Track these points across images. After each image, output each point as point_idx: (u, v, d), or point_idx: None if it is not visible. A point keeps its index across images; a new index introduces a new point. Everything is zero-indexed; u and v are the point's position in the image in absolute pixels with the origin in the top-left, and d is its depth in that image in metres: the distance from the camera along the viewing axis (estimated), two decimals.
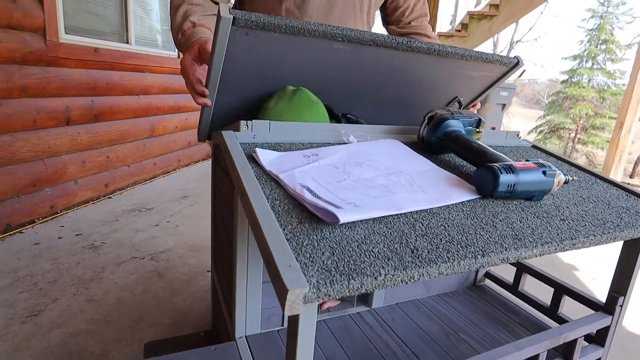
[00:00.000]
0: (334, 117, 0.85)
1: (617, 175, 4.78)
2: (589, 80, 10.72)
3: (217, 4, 0.99)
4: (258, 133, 0.65)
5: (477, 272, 1.12)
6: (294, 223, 0.44)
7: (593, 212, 0.64)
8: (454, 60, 0.88)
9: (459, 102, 1.04)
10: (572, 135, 10.84)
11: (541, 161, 0.62)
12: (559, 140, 10.92)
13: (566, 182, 0.65)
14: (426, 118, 0.73)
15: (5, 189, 2.04)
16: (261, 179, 0.53)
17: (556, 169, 0.62)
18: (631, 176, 8.52)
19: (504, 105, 5.17)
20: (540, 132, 11.48)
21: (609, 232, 0.58)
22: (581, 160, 10.36)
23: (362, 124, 0.85)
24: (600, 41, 10.65)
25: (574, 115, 10.65)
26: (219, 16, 0.62)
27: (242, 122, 0.64)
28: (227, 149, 0.58)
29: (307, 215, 0.46)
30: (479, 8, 5.06)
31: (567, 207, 0.64)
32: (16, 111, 2.05)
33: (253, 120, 0.65)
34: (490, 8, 4.44)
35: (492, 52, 0.96)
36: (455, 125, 0.71)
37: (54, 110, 2.27)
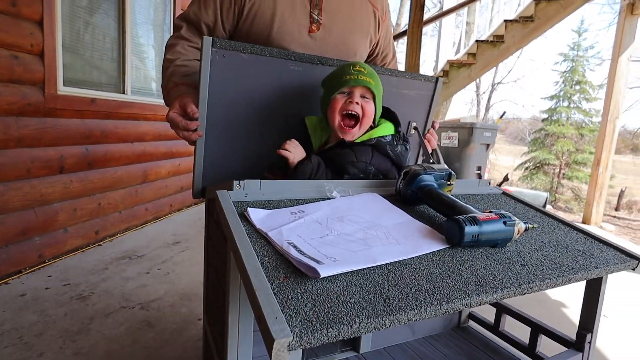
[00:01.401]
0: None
1: (599, 210, 4.93)
2: (567, 118, 11.21)
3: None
4: (249, 191, 0.72)
5: (460, 313, 1.17)
6: (280, 278, 0.50)
7: (552, 256, 0.71)
8: (388, 79, 1.11)
9: (415, 128, 1.20)
10: (557, 170, 11.18)
11: (502, 212, 0.70)
12: (545, 176, 11.22)
13: (526, 230, 0.72)
14: (402, 173, 0.81)
15: None
16: (252, 236, 0.59)
17: (516, 218, 0.69)
18: (616, 209, 8.72)
19: (488, 145, 5.38)
20: (527, 168, 11.80)
21: (564, 275, 0.65)
22: (567, 195, 10.60)
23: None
24: (574, 82, 11.26)
25: (557, 152, 11.03)
26: (202, 42, 0.88)
27: (235, 182, 0.72)
28: (222, 209, 0.65)
29: (293, 270, 0.52)
30: (458, 56, 5.39)
31: (528, 253, 0.71)
32: (11, 161, 2.10)
33: (245, 180, 0.72)
34: (468, 57, 4.74)
35: (417, 73, 1.26)
36: (428, 179, 0.79)
37: (48, 159, 2.33)
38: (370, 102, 0.95)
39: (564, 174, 10.98)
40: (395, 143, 0.96)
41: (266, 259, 0.54)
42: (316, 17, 1.10)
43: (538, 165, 11.49)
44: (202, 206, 4.04)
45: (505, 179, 9.91)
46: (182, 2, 3.62)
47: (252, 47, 0.95)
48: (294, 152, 0.91)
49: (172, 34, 1.16)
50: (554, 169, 11.26)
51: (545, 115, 11.75)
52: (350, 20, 1.16)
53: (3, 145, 2.05)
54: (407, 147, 0.99)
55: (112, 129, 2.84)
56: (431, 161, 1.17)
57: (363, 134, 0.96)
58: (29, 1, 2.14)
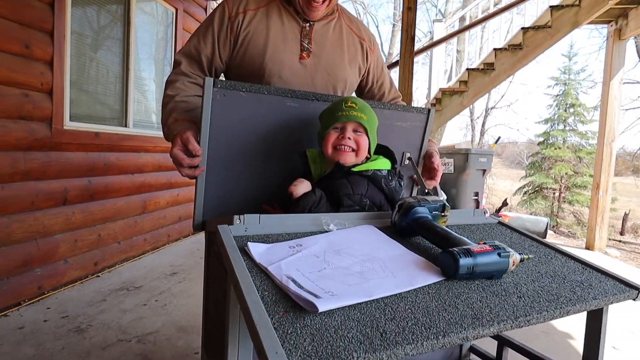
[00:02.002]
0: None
1: (602, 235, 4.90)
2: (563, 141, 11.31)
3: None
4: (249, 226, 0.74)
5: (460, 347, 1.16)
6: (280, 312, 0.52)
7: (549, 287, 0.72)
8: (381, 112, 1.14)
9: (409, 159, 1.23)
10: (557, 194, 11.18)
11: (497, 243, 0.71)
12: (545, 201, 11.20)
13: (522, 261, 0.74)
14: (397, 206, 0.83)
15: None
16: (252, 271, 0.61)
17: (510, 250, 0.71)
18: (621, 233, 8.64)
19: (484, 171, 5.43)
20: (525, 192, 11.81)
21: (561, 307, 0.66)
22: (569, 220, 10.56)
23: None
24: (567, 105, 11.43)
25: (555, 175, 11.07)
26: (204, 82, 0.92)
27: (235, 217, 0.74)
28: (222, 243, 0.66)
29: (292, 305, 0.53)
30: (450, 83, 5.52)
31: (524, 284, 0.72)
32: (16, 194, 2.13)
33: (245, 215, 0.74)
34: (460, 84, 4.85)
35: (410, 105, 1.31)
36: (422, 211, 0.81)
37: (52, 191, 2.36)
38: (363, 135, 0.99)
39: (564, 197, 10.98)
40: (390, 178, 0.99)
41: (266, 293, 0.55)
42: (306, 46, 1.18)
43: (537, 189, 11.50)
44: (199, 236, 4.03)
45: (504, 204, 9.92)
46: (182, 39, 3.75)
47: (250, 86, 0.99)
48: (299, 186, 0.94)
49: (172, 69, 1.22)
50: (554, 193, 11.27)
51: (540, 139, 11.87)
52: (339, 49, 1.23)
53: (9, 179, 2.08)
54: (402, 183, 1.02)
55: (114, 161, 2.89)
56: (426, 190, 1.20)
57: (360, 164, 1.00)
58: (41, 43, 2.24)
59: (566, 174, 10.84)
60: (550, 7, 4.16)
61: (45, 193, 2.31)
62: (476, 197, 5.38)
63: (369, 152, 1.01)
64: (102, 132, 2.76)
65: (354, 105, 0.98)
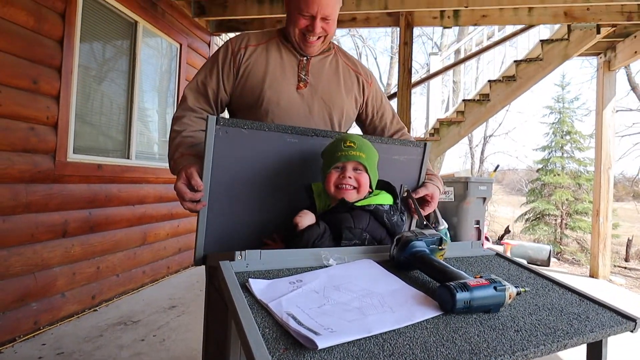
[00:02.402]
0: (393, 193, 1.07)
1: (605, 262, 4.85)
2: (562, 168, 11.38)
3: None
4: (250, 261, 0.76)
5: None
6: (281, 349, 0.53)
7: (546, 320, 0.73)
8: (379, 146, 1.15)
9: (407, 191, 1.25)
10: (559, 221, 11.13)
11: (493, 277, 0.73)
12: (547, 227, 11.14)
13: (518, 294, 0.75)
14: (395, 240, 0.85)
15: None
16: (253, 307, 0.62)
17: (506, 283, 0.72)
18: (626, 259, 8.55)
19: (484, 199, 5.45)
20: (527, 219, 11.77)
21: (559, 341, 0.66)
22: (573, 247, 10.46)
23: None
24: (564, 132, 11.58)
25: (556, 201, 11.07)
26: (206, 120, 0.95)
27: (237, 253, 0.75)
28: (224, 279, 0.68)
29: (293, 342, 0.54)
30: (448, 114, 5.63)
31: (522, 318, 0.72)
32: (17, 227, 2.14)
33: (246, 251, 0.76)
34: (457, 114, 4.96)
35: (408, 140, 1.34)
36: (420, 245, 0.82)
37: (52, 224, 2.37)
38: (363, 172, 1.02)
39: (566, 224, 10.93)
40: (392, 213, 1.02)
41: (267, 330, 0.56)
42: (303, 77, 1.25)
43: (538, 216, 11.47)
44: (199, 268, 3.99)
45: (507, 231, 9.86)
46: (186, 72, 3.87)
47: (251, 124, 1.03)
48: (304, 217, 0.97)
49: (179, 105, 1.27)
50: (556, 220, 11.22)
51: (539, 166, 11.95)
52: (335, 81, 1.30)
53: (11, 211, 2.10)
54: (403, 218, 1.05)
55: (116, 193, 2.91)
56: (425, 223, 1.22)
57: (363, 199, 1.02)
58: (49, 78, 2.31)
59: (567, 200, 10.84)
60: (541, 41, 4.31)
61: (45, 225, 2.32)
62: (477, 225, 5.37)
63: (370, 186, 1.04)
64: (105, 164, 2.80)
65: (352, 144, 1.02)
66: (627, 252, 8.57)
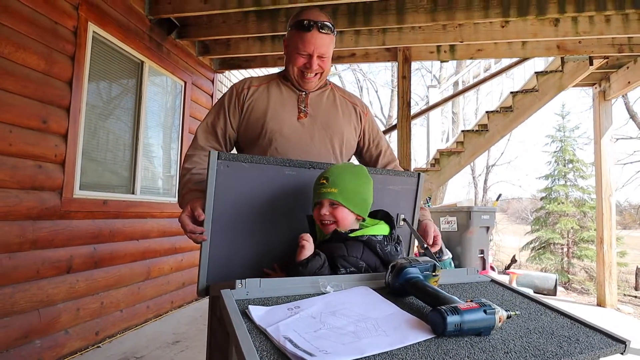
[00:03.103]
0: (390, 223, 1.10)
1: (612, 291, 4.77)
2: (566, 196, 11.34)
3: None
4: (251, 289, 0.79)
5: None
6: None
7: (536, 342, 0.75)
8: (374, 177, 1.19)
9: (404, 220, 1.30)
10: (565, 250, 10.98)
11: (483, 301, 0.76)
12: (554, 256, 10.98)
13: (509, 317, 0.77)
14: (390, 267, 0.88)
15: None
16: (252, 332, 0.65)
17: (496, 306, 0.75)
18: (636, 288, 8.37)
19: (487, 228, 5.44)
20: (533, 248, 11.62)
21: None
22: (580, 276, 10.26)
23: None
24: (566, 161, 11.64)
25: (561, 230, 10.96)
26: (209, 155, 1.02)
27: (237, 281, 0.79)
28: (225, 306, 0.71)
29: None
30: (448, 144, 5.72)
31: (512, 340, 0.75)
32: (23, 263, 2.18)
33: (246, 280, 0.80)
34: (457, 145, 5.04)
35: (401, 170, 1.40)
36: (414, 272, 0.86)
37: (57, 260, 2.40)
38: (339, 207, 1.04)
39: (572, 253, 10.78)
40: (386, 243, 1.05)
41: (265, 353, 0.59)
42: (303, 109, 1.36)
43: (544, 245, 11.34)
44: (202, 302, 3.98)
45: (513, 260, 9.71)
46: (190, 109, 4.01)
47: (251, 158, 1.09)
48: (307, 248, 1.00)
49: (191, 143, 1.38)
50: (562, 248, 11.08)
51: (543, 194, 11.93)
52: (333, 110, 1.40)
53: (17, 248, 2.14)
54: (398, 248, 1.07)
55: (120, 228, 2.96)
56: (425, 245, 1.25)
57: (358, 229, 1.06)
58: (57, 117, 2.42)
59: (572, 228, 10.74)
60: (536, 73, 4.46)
61: (51, 261, 2.35)
62: (482, 255, 5.33)
63: (361, 215, 1.08)
64: (110, 199, 2.86)
65: (324, 181, 1.05)
66: (636, 280, 8.40)
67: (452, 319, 0.69)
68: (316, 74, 1.34)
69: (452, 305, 0.73)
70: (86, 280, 2.62)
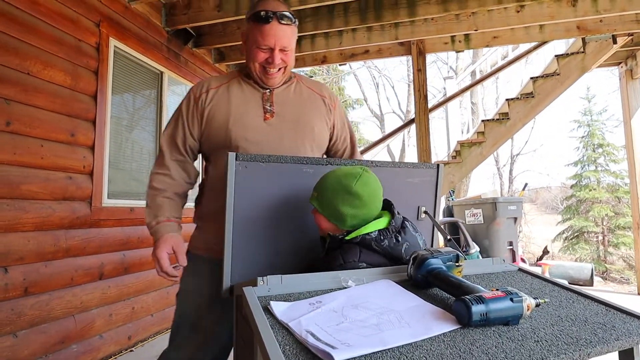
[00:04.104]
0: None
1: None
2: (598, 182, 10.91)
3: (191, 184, 1.37)
4: (272, 286, 0.80)
5: None
6: None
7: (568, 330, 0.72)
8: (393, 170, 1.21)
9: (425, 212, 1.27)
10: (600, 238, 10.57)
11: (509, 289, 0.73)
12: (588, 245, 10.59)
13: (537, 305, 0.75)
14: (411, 259, 0.87)
15: (36, 348, 2.13)
16: (275, 327, 0.65)
17: (523, 294, 0.73)
18: None
19: (515, 219, 5.29)
20: (566, 238, 11.24)
21: (580, 350, 0.66)
22: (619, 265, 9.86)
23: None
24: (595, 145, 11.19)
25: (595, 218, 10.55)
26: (227, 157, 1.03)
27: (259, 278, 0.80)
28: (247, 303, 0.72)
29: (312, 357, 0.57)
30: (468, 135, 5.60)
31: (542, 328, 0.72)
32: (58, 271, 2.27)
33: (267, 276, 0.80)
34: (478, 135, 4.93)
35: (418, 162, 1.33)
36: (436, 263, 0.84)
37: (90, 267, 2.49)
38: (316, 212, 1.06)
39: (609, 241, 10.36)
40: (382, 238, 0.97)
41: (287, 347, 0.59)
42: (269, 108, 1.27)
43: (577, 234, 10.95)
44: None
45: (545, 252, 9.43)
46: None
47: (268, 157, 1.10)
48: None
49: (157, 157, 1.36)
50: (597, 237, 10.67)
51: (572, 182, 11.52)
52: (301, 106, 1.32)
53: (52, 256, 2.23)
54: (399, 239, 0.99)
55: (147, 234, 3.00)
56: (448, 238, 1.23)
57: (352, 231, 1.00)
58: (84, 130, 2.51)
59: (606, 215, 10.33)
60: (556, 56, 4.30)
61: (83, 269, 2.44)
62: (511, 247, 5.19)
63: (339, 226, 1.02)
64: (136, 206, 2.94)
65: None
66: None
67: (477, 309, 0.68)
68: (279, 69, 1.25)
69: (477, 294, 0.71)
70: (117, 286, 2.71)
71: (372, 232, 0.97)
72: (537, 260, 8.09)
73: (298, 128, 1.28)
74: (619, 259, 10.19)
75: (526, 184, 6.12)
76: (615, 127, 12.48)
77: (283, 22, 1.20)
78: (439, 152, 7.32)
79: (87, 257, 2.48)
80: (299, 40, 3.92)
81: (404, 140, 7.24)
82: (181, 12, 3.31)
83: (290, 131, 1.27)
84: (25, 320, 2.08)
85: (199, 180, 1.43)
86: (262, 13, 1.19)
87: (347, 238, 0.99)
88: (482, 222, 5.14)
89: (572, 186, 11.69)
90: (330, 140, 1.41)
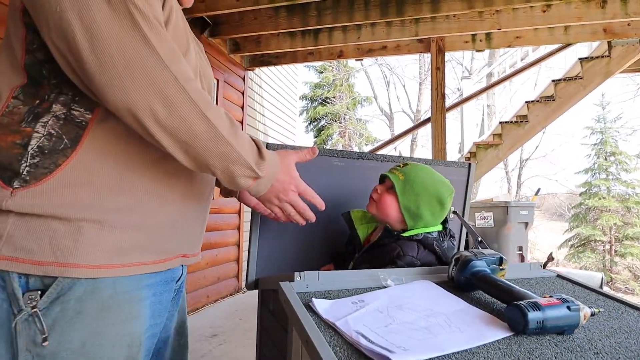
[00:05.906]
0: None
1: None
2: (608, 191, 10.77)
3: None
4: (310, 282, 0.76)
5: None
6: None
7: (626, 343, 0.68)
8: None
9: (455, 212, 1.23)
10: (607, 247, 10.44)
11: (564, 296, 0.69)
12: (594, 254, 10.48)
13: (593, 315, 0.71)
14: (453, 260, 0.83)
15: None
16: (320, 327, 0.62)
17: (579, 303, 0.68)
18: None
19: (526, 224, 5.21)
20: (572, 246, 11.13)
21: None
22: (624, 275, 9.75)
23: None
24: (607, 154, 11.03)
25: (603, 227, 10.42)
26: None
27: (296, 274, 0.76)
28: (287, 300, 0.68)
29: None
30: (483, 137, 5.53)
31: (599, 340, 0.68)
32: None
33: (305, 272, 0.77)
34: (494, 137, 4.86)
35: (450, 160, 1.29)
36: (480, 265, 0.80)
37: None
38: (391, 195, 1.00)
39: (616, 250, 10.23)
40: (442, 239, 1.00)
41: (338, 348, 0.56)
42: None
43: (584, 242, 10.83)
44: (237, 297, 4.02)
45: (550, 258, 9.33)
46: (223, 106, 4.04)
47: (300, 148, 1.06)
48: None
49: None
50: (604, 246, 10.54)
51: (582, 189, 11.38)
52: None
53: None
54: (454, 243, 1.03)
55: None
56: (479, 239, 1.19)
57: (409, 229, 1.00)
58: None
59: (615, 224, 10.20)
60: (580, 59, 4.22)
61: None
62: (520, 252, 5.12)
63: (407, 222, 0.99)
64: None
65: (400, 166, 1.03)
66: None
67: (533, 316, 0.64)
68: None
69: (532, 300, 0.67)
70: None
71: (432, 232, 0.95)
72: (542, 267, 8.00)
73: None
74: (625, 269, 10.09)
75: (539, 189, 6.03)
76: (629, 136, 12.33)
77: None
78: (451, 153, 7.25)
79: None
80: (316, 33, 3.87)
81: (412, 141, 7.17)
82: (199, 0, 3.27)
83: None
84: None
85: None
86: None
87: (406, 234, 0.96)
88: (492, 225, 5.07)
89: (581, 194, 11.56)
90: None
